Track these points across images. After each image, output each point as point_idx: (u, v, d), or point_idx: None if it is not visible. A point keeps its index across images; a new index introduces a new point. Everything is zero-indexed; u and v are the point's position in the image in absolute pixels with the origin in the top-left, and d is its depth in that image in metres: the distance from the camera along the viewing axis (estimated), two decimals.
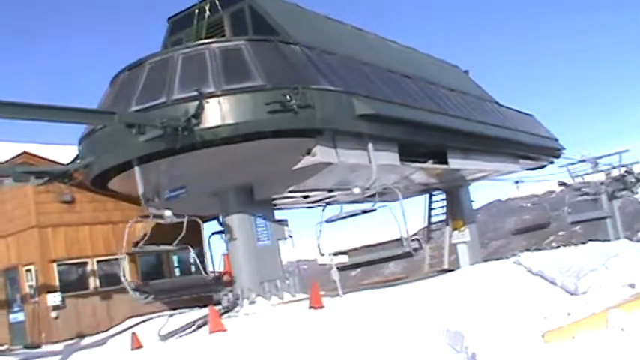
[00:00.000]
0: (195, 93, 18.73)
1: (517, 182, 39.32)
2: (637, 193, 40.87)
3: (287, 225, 23.39)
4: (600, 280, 13.34)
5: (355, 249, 23.05)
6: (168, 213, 20.33)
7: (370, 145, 22.10)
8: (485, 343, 10.11)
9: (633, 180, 40.03)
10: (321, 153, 20.68)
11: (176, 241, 20.38)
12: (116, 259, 23.79)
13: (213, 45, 20.80)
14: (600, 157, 40.76)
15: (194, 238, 27.92)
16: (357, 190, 22.74)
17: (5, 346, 24.80)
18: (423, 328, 12.96)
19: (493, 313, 12.62)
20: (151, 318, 21.92)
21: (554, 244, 57.55)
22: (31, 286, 24.31)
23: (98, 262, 24.65)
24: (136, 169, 19.76)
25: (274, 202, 23.56)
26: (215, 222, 27.61)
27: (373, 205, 23.13)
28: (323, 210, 25.14)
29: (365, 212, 23.16)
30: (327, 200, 25.41)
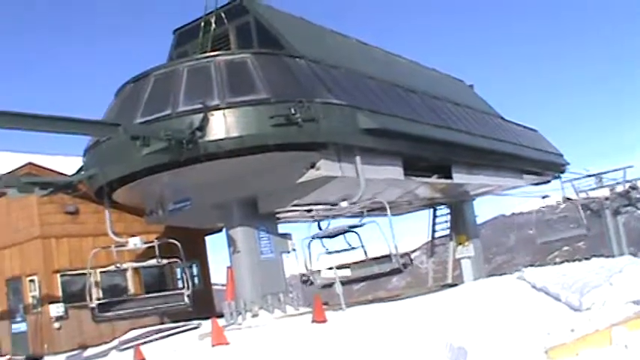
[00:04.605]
0: (200, 106, 18.79)
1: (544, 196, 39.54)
2: None
3: (290, 238, 23.40)
4: (604, 296, 13.25)
5: (345, 265, 22.90)
6: (134, 240, 22.15)
7: (358, 159, 21.98)
8: (488, 359, 10.06)
9: (638, 196, 39.90)
10: (325, 167, 20.69)
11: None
12: (119, 270, 23.88)
13: (219, 58, 20.88)
14: (605, 173, 40.70)
15: (197, 251, 28.15)
16: (344, 204, 22.49)
17: (7, 357, 24.76)
18: (426, 343, 12.90)
19: (496, 329, 12.56)
20: (152, 331, 21.84)
21: (558, 260, 57.38)
22: (33, 297, 24.27)
23: (101, 273, 24.60)
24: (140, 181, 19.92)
25: (278, 215, 23.55)
26: (217, 235, 27.82)
27: (360, 220, 22.92)
28: (313, 225, 24.61)
29: (351, 227, 22.84)
30: (331, 214, 25.37)
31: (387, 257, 22.00)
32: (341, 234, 22.93)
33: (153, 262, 22.82)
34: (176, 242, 22.13)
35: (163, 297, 24.01)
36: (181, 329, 20.88)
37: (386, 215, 23.02)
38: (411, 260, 23.97)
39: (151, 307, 23.46)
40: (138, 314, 23.16)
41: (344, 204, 22.54)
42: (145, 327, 22.93)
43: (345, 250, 23.02)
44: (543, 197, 40.32)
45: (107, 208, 23.11)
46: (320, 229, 24.70)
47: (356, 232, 23.17)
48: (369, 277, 23.51)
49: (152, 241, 22.52)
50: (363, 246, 23.20)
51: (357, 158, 21.92)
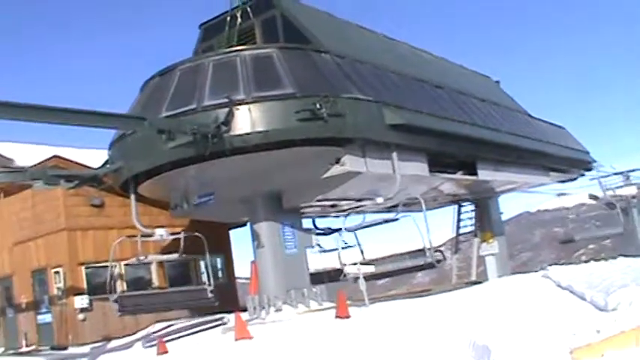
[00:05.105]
0: (226, 100, 18.80)
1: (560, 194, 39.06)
2: None
3: (314, 233, 23.40)
4: (631, 296, 13.12)
5: (378, 259, 22.96)
6: (160, 231, 22.09)
7: (395, 155, 21.99)
8: (512, 358, 9.99)
9: None
10: (350, 162, 20.64)
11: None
12: (144, 263, 24.03)
13: (245, 52, 20.89)
14: (632, 171, 40.22)
15: (221, 245, 28.21)
16: (379, 200, 22.64)
17: (33, 347, 24.99)
18: (450, 340, 12.85)
19: (521, 328, 12.48)
20: (176, 323, 21.94)
21: (583, 258, 56.87)
22: (59, 288, 24.46)
23: (126, 265, 24.73)
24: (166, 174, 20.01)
25: (302, 210, 23.55)
26: (241, 229, 27.93)
27: (396, 214, 22.96)
28: (345, 219, 24.89)
29: (387, 222, 23.01)
30: (355, 209, 25.34)
31: (420, 251, 21.95)
32: (374, 225, 23.09)
33: (175, 256, 22.93)
34: (201, 236, 22.21)
35: (186, 292, 24.09)
36: (208, 325, 20.82)
37: (414, 211, 23.03)
38: (444, 256, 23.98)
39: (172, 302, 23.55)
40: (159, 309, 23.25)
41: (379, 200, 22.59)
42: (169, 320, 23.05)
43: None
44: (559, 195, 40.03)
45: (133, 199, 23.17)
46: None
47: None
48: (398, 271, 23.50)
49: (178, 233, 22.61)
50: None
51: (394, 154, 21.89)
